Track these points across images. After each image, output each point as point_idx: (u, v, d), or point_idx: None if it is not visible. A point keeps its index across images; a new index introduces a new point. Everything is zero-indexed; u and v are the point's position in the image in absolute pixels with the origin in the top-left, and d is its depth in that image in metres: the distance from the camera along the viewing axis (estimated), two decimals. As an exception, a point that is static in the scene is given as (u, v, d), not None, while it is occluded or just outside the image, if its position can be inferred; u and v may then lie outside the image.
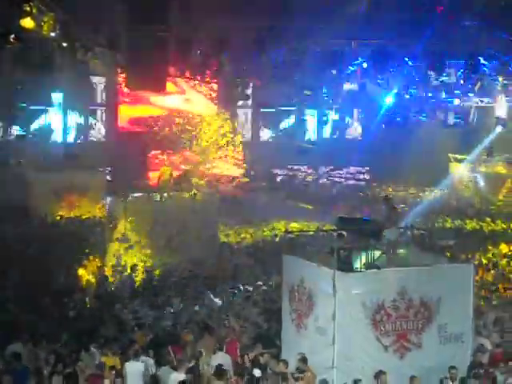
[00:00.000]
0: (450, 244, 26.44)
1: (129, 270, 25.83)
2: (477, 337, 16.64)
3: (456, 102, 41.14)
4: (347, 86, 39.17)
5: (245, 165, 41.62)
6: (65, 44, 25.72)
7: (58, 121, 38.73)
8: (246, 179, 41.15)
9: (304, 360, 14.84)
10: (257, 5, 26.83)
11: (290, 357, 15.44)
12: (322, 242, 23.63)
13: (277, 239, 30.41)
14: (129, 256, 27.63)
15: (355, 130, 45.87)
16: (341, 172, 45.12)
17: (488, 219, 35.77)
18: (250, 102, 39.66)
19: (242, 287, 23.22)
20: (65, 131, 39.22)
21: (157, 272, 25.87)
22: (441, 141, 43.22)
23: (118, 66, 29.71)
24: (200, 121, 40.50)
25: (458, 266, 16.38)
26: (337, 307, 14.58)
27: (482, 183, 43.38)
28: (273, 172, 42.99)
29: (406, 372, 14.49)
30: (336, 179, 44.90)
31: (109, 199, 31.90)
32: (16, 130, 36.83)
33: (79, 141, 39.66)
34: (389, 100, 40.74)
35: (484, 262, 26.57)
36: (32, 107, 37.08)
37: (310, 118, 43.41)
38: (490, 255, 27.98)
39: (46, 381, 15.28)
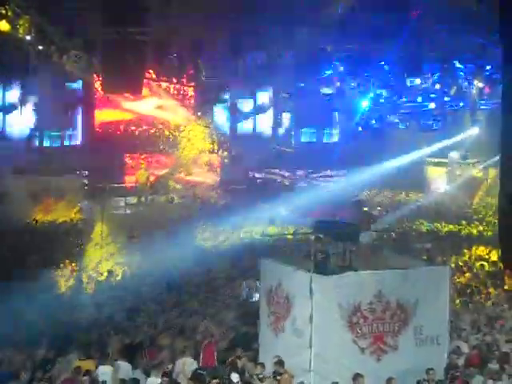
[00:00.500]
0: (426, 247, 26.60)
1: (105, 274, 25.72)
2: (453, 339, 16.72)
3: (432, 105, 41.39)
4: (324, 90, 39.30)
5: (222, 168, 41.60)
6: (40, 47, 25.62)
7: (32, 123, 38.55)
8: (224, 183, 41.14)
9: (280, 363, 14.85)
10: (233, 9, 26.87)
11: (268, 359, 15.43)
12: (300, 245, 23.78)
13: (254, 243, 30.41)
14: (105, 260, 27.51)
15: (332, 133, 45.98)
16: (318, 175, 45.20)
17: (464, 222, 35.98)
18: (227, 104, 39.68)
19: (218, 291, 23.20)
20: (40, 134, 39.02)
21: (133, 276, 25.75)
22: (417, 144, 43.45)
23: (93, 69, 29.62)
24: (176, 125, 40.42)
25: (434, 269, 16.43)
26: (314, 310, 14.59)
27: (457, 186, 43.64)
28: (251, 175, 42.98)
29: (382, 374, 14.50)
30: (314, 182, 44.97)
31: (85, 203, 31.78)
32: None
33: (55, 144, 39.46)
34: (365, 104, 40.95)
35: (460, 264, 26.71)
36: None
37: (288, 121, 43.50)
38: (465, 258, 28.13)
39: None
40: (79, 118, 40.31)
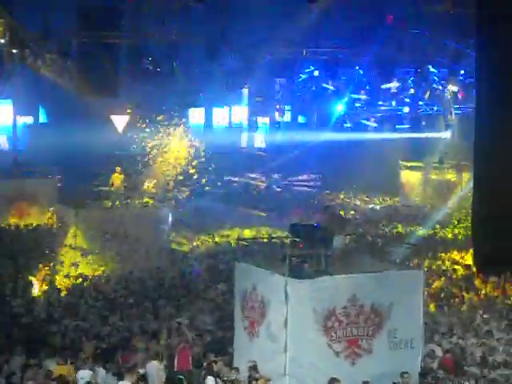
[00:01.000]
0: (400, 250, 26.69)
1: (79, 279, 25.60)
2: (428, 343, 16.81)
3: (406, 109, 41.61)
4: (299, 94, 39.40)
5: (197, 172, 41.50)
6: (14, 51, 25.51)
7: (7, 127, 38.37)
8: (199, 187, 41.05)
9: (255, 367, 14.85)
10: (208, 13, 26.88)
11: (243, 364, 15.42)
12: (274, 249, 23.79)
13: (229, 247, 30.41)
14: (79, 264, 27.38)
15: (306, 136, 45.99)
16: (293, 179, 45.29)
17: (438, 226, 36.17)
18: (202, 108, 39.63)
19: (194, 295, 23.16)
20: (14, 138, 38.79)
21: (107, 281, 25.64)
22: (391, 148, 43.67)
23: (68, 72, 29.50)
24: (152, 127, 40.25)
25: (408, 273, 16.48)
26: (289, 314, 14.60)
27: (432, 190, 43.90)
28: (226, 179, 42.96)
29: (357, 378, 14.54)
30: (288, 186, 45.05)
31: (59, 207, 31.61)
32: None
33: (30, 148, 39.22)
34: (340, 108, 41.08)
35: (434, 268, 26.83)
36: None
37: (262, 124, 43.53)
38: (440, 262, 28.26)
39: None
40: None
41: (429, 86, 38.41)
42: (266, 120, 43.14)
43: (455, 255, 29.34)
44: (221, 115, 44.02)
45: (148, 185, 36.69)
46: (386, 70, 33.45)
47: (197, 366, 16.41)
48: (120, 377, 15.21)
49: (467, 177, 39.31)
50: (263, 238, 30.15)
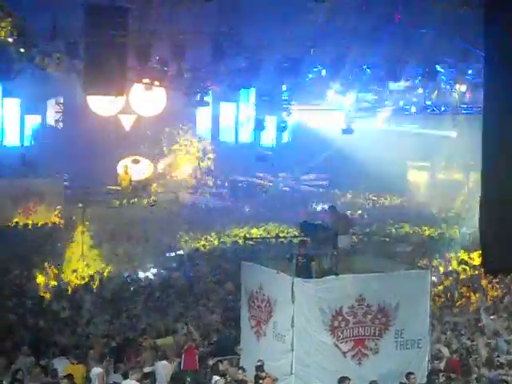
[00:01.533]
0: (407, 250, 26.63)
1: (87, 278, 25.63)
2: (435, 343, 16.78)
3: (413, 109, 41.48)
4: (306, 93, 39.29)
5: (205, 172, 41.52)
6: (22, 50, 25.53)
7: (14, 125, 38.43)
8: (206, 186, 41.07)
9: (261, 367, 14.84)
10: (215, 11, 26.85)
11: (250, 363, 15.42)
12: (282, 248, 23.79)
13: (236, 246, 30.40)
14: (87, 263, 27.42)
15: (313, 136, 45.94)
16: (300, 178, 45.24)
17: (445, 226, 36.11)
18: (209, 108, 39.56)
19: (201, 294, 23.17)
20: (22, 136, 38.87)
21: (115, 280, 25.66)
22: (398, 147, 43.57)
23: (76, 71, 29.51)
24: (160, 128, 40.26)
25: (415, 272, 16.46)
26: (295, 314, 14.61)
27: (439, 190, 43.83)
28: (233, 178, 42.93)
29: (364, 378, 14.54)
30: (295, 185, 45.01)
31: (66, 205, 31.65)
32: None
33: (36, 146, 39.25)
34: (346, 107, 40.95)
35: (441, 268, 26.78)
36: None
37: (269, 124, 43.46)
38: (446, 261, 28.20)
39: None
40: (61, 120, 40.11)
41: (436, 86, 38.31)
42: (273, 119, 43.08)
43: (462, 255, 29.27)
44: (228, 113, 44.02)
45: (156, 185, 36.77)
46: (393, 69, 33.32)
47: (203, 366, 16.44)
48: (126, 375, 15.24)
49: (474, 177, 39.23)
50: (270, 238, 30.15)
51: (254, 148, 42.68)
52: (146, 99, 32.37)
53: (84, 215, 29.26)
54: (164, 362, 16.14)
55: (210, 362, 16.39)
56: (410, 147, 44.01)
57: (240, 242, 30.57)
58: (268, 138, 44.31)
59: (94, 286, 24.54)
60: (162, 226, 30.91)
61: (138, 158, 37.14)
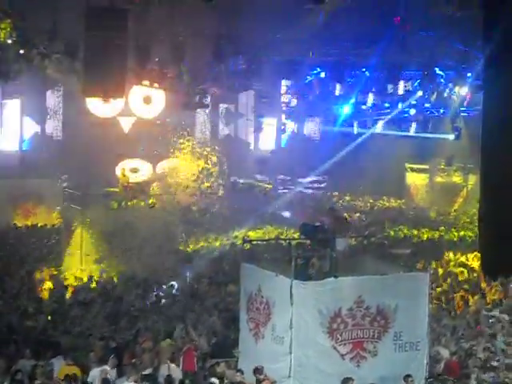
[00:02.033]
0: (405, 253, 26.68)
1: (85, 279, 25.62)
2: (434, 346, 16.78)
3: (412, 111, 41.55)
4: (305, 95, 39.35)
5: (204, 173, 41.48)
6: (22, 51, 25.56)
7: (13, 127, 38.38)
8: (205, 188, 41.02)
9: (260, 370, 14.83)
10: (215, 14, 26.88)
11: (248, 366, 15.40)
12: (281, 250, 23.77)
13: (235, 248, 30.39)
14: (85, 265, 27.40)
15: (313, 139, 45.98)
16: (299, 180, 45.23)
17: (443, 228, 36.12)
18: (208, 110, 39.59)
19: (200, 296, 23.14)
20: (21, 138, 38.82)
21: (114, 281, 25.65)
22: (398, 150, 43.60)
23: (75, 73, 29.53)
24: (159, 130, 40.22)
25: (413, 275, 16.48)
26: (294, 316, 14.59)
27: (438, 193, 43.84)
28: (232, 180, 42.91)
29: (363, 380, 14.53)
30: (294, 187, 45.00)
31: (65, 207, 31.62)
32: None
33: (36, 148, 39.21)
34: (346, 110, 41.05)
35: (439, 270, 26.78)
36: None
37: (269, 126, 43.51)
38: (445, 264, 28.19)
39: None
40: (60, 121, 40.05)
41: (436, 89, 38.38)
42: (273, 121, 43.11)
43: (460, 258, 29.27)
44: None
45: (155, 186, 36.72)
46: (393, 72, 33.41)
47: (202, 368, 16.43)
48: (126, 377, 15.25)
49: (473, 179, 39.26)
50: (269, 240, 30.15)
51: (253, 150, 42.68)
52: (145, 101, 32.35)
53: (83, 217, 29.22)
54: (173, 365, 16.11)
55: (208, 364, 16.38)
56: (408, 149, 44.04)
57: (239, 244, 30.56)
58: (267, 140, 44.30)
59: (93, 288, 24.53)
60: (160, 228, 30.84)
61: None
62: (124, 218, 29.42)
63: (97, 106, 32.99)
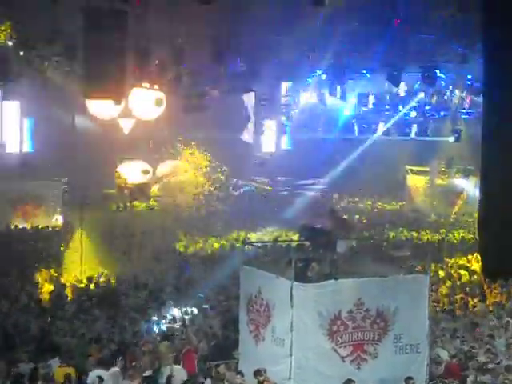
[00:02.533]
0: (405, 255, 26.63)
1: (85, 281, 25.61)
2: (434, 347, 16.76)
3: (413, 114, 41.54)
4: (305, 98, 39.35)
5: (204, 175, 41.52)
6: (21, 53, 25.59)
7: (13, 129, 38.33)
8: (206, 190, 41.06)
9: (260, 372, 14.80)
10: (215, 16, 26.87)
11: (248, 368, 15.38)
12: (281, 252, 23.76)
13: (235, 249, 30.40)
14: (85, 267, 27.40)
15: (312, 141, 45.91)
16: (299, 182, 45.26)
17: (443, 231, 36.13)
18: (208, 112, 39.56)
19: (198, 298, 23.15)
20: (20, 140, 38.79)
21: (113, 283, 25.65)
22: (398, 152, 43.61)
23: (75, 74, 29.55)
24: (159, 131, 40.26)
25: (413, 277, 16.41)
26: (294, 318, 14.57)
27: (438, 195, 43.85)
28: (233, 183, 42.95)
29: (363, 383, 14.49)
30: (294, 189, 45.02)
31: (65, 209, 31.66)
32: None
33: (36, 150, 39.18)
34: (346, 112, 41.02)
35: (440, 273, 26.77)
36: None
37: (269, 128, 43.47)
38: (445, 266, 28.19)
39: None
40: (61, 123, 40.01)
41: (436, 91, 38.41)
42: (272, 123, 43.07)
43: (460, 260, 29.27)
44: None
45: (154, 188, 36.76)
46: (393, 74, 33.38)
47: (202, 370, 16.42)
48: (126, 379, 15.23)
49: (473, 181, 39.24)
50: (269, 242, 30.13)
51: (253, 152, 42.67)
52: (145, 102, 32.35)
53: (83, 218, 29.24)
54: (178, 366, 16.08)
55: (207, 366, 16.37)
56: (409, 152, 44.06)
57: (239, 245, 30.57)
58: (268, 142, 44.25)
59: (92, 289, 24.52)
60: (160, 230, 30.87)
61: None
62: (124, 219, 29.50)
63: (97, 108, 32.99)
